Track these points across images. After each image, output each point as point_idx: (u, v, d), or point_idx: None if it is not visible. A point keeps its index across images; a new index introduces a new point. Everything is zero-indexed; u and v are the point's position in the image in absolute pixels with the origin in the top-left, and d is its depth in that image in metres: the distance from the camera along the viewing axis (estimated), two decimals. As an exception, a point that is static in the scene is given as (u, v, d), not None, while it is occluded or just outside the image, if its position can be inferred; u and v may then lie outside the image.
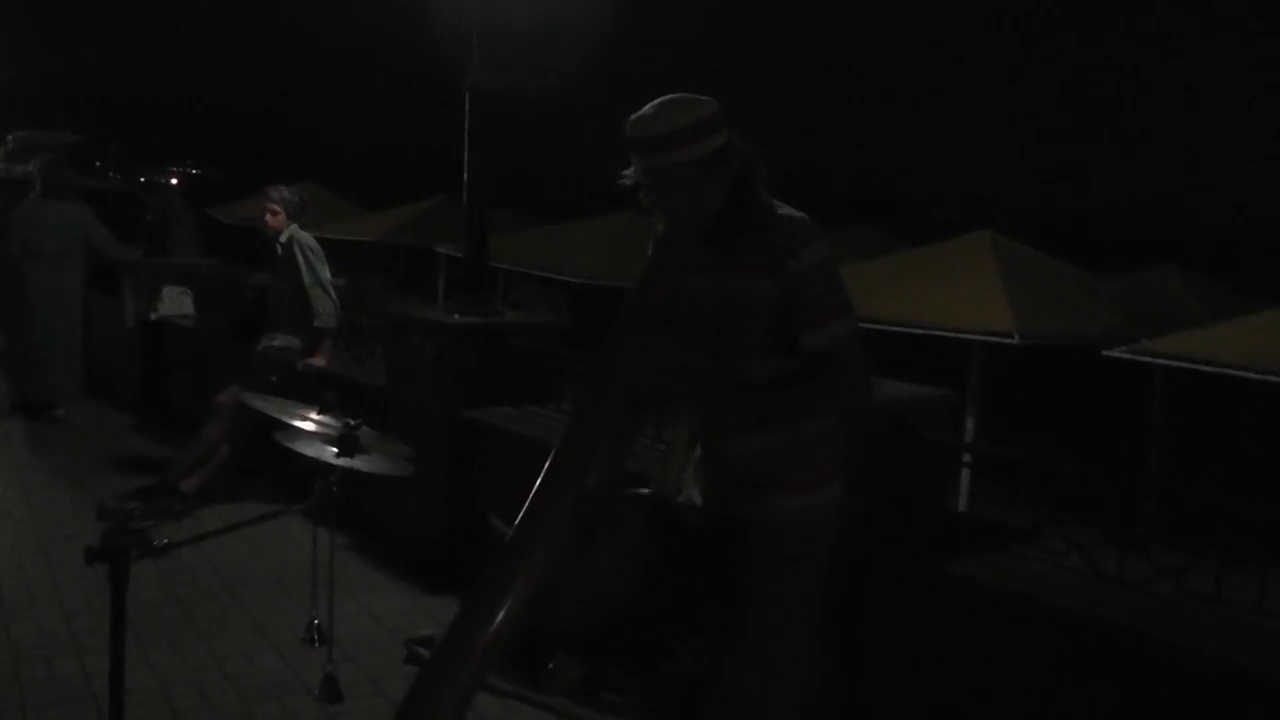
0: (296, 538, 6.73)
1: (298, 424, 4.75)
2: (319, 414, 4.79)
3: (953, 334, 10.91)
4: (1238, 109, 24.29)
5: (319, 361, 7.88)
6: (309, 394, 5.64)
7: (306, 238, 7.97)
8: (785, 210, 3.26)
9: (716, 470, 3.37)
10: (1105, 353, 10.77)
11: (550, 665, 4.90)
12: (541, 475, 2.74)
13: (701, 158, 3.13)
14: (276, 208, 7.93)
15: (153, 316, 10.46)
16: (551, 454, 2.78)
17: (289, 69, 33.68)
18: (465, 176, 6.98)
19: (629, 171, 3.24)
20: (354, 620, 5.85)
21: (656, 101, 3.18)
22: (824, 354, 3.19)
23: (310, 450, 4.54)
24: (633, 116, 3.17)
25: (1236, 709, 3.51)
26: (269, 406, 5.00)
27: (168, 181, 21.92)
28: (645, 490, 3.53)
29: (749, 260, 3.22)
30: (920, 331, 11.01)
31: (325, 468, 4.55)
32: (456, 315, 6.89)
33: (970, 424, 11.15)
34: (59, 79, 29.91)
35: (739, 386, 3.28)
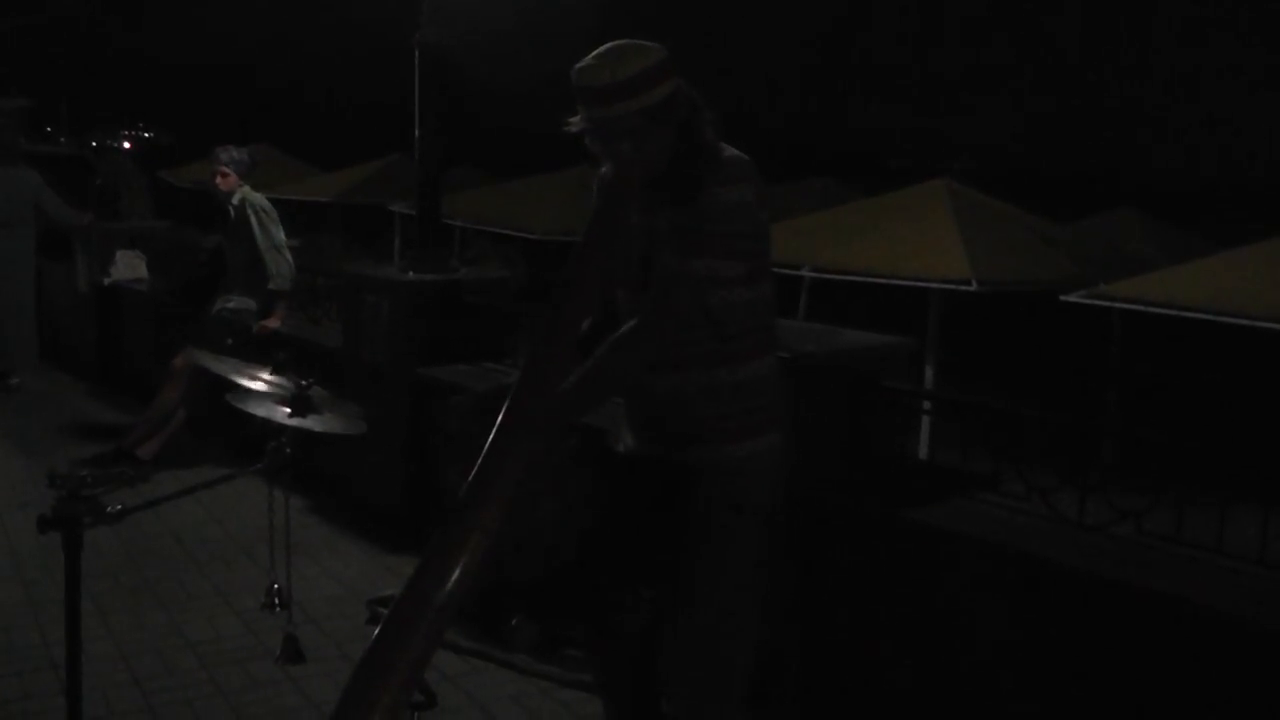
0: (254, 501, 6.68)
1: (250, 385, 4.69)
2: (271, 374, 4.73)
3: (910, 282, 10.89)
4: (1192, 55, 24.40)
5: (274, 323, 7.82)
6: (264, 356, 5.59)
7: (259, 199, 7.90)
8: (730, 152, 3.21)
9: (646, 410, 3.36)
10: (1063, 298, 10.78)
11: (512, 623, 4.89)
12: (494, 430, 2.71)
13: (648, 107, 3.06)
14: (226, 169, 7.86)
15: (106, 281, 10.35)
16: (503, 408, 2.74)
17: (241, 29, 33.34)
18: (416, 133, 6.92)
19: (575, 119, 3.17)
20: (315, 582, 5.84)
21: (602, 49, 3.10)
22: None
23: (262, 411, 4.49)
24: (577, 65, 3.09)
25: (1196, 647, 3.53)
26: (223, 368, 4.95)
27: (119, 145, 21.69)
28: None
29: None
30: (878, 280, 10.99)
31: (278, 428, 4.50)
32: (411, 273, 6.84)
33: (929, 371, 11.15)
34: (7, 38, 29.50)
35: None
